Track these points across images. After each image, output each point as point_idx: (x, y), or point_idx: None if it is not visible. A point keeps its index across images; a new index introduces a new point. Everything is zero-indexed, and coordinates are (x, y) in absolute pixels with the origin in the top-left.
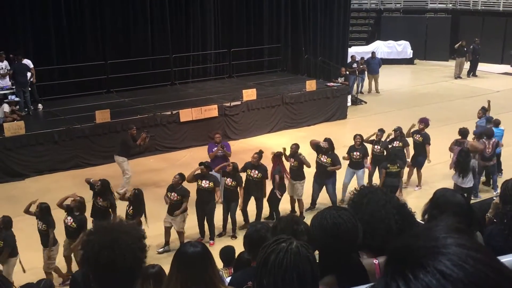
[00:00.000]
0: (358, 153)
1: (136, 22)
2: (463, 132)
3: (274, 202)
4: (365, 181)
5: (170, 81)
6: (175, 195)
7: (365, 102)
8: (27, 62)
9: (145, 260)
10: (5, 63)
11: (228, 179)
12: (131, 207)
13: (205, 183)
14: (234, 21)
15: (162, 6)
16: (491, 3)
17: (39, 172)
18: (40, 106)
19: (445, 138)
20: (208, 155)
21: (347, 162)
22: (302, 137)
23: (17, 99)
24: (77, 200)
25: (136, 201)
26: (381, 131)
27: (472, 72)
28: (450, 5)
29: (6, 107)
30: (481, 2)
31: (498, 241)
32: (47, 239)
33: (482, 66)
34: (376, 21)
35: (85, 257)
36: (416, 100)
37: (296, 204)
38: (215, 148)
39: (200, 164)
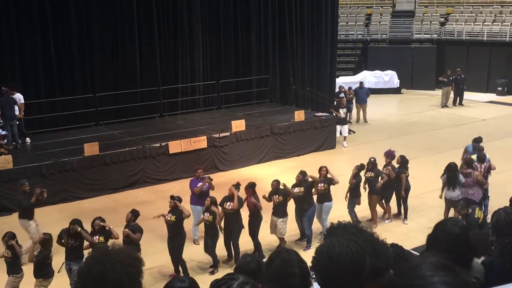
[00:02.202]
0: (323, 185)
1: (124, 54)
2: (469, 162)
3: (253, 232)
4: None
5: (159, 113)
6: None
7: (354, 132)
8: (18, 96)
9: (139, 278)
10: None
11: (206, 214)
12: (99, 236)
13: (168, 217)
14: (222, 53)
15: (151, 38)
16: (475, 33)
17: None
18: (28, 139)
19: (434, 166)
20: (193, 191)
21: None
22: (291, 167)
23: (4, 132)
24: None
25: (104, 230)
26: (361, 166)
27: (457, 101)
28: (435, 35)
29: None
30: (466, 32)
31: (496, 274)
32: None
33: (467, 95)
34: (363, 52)
35: (79, 271)
36: (404, 129)
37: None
38: (200, 183)
39: (171, 197)
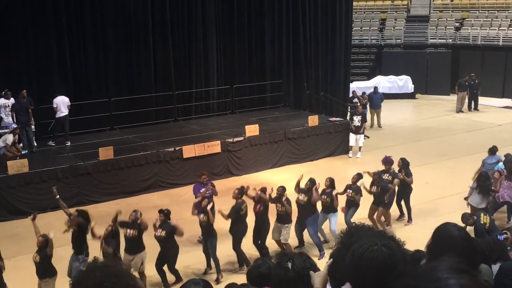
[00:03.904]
0: (325, 197)
1: (139, 59)
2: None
3: (260, 239)
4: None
5: (173, 117)
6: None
7: (368, 137)
8: (63, 99)
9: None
10: (12, 100)
11: (201, 215)
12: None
13: (158, 232)
14: (236, 58)
15: (165, 43)
16: (491, 38)
17: (42, 209)
18: (68, 143)
19: (449, 172)
20: (196, 196)
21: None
22: (305, 172)
23: (14, 126)
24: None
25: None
26: (358, 175)
27: (473, 106)
28: (450, 40)
29: (10, 138)
30: (481, 37)
31: None
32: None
33: (483, 100)
34: (377, 56)
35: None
36: (418, 134)
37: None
38: (203, 189)
39: (160, 211)
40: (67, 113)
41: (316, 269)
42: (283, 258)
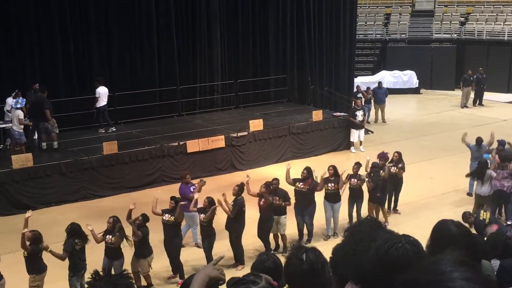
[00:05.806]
0: (332, 185)
1: (143, 54)
2: (505, 157)
3: (263, 234)
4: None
5: (177, 112)
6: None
7: (372, 132)
8: (104, 89)
9: None
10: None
11: (202, 215)
12: (111, 237)
13: (167, 217)
14: (240, 52)
15: (169, 38)
16: (496, 33)
17: (46, 204)
18: (113, 128)
19: (453, 167)
20: (189, 197)
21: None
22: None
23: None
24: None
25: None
26: (358, 164)
27: (478, 101)
28: (455, 35)
29: (21, 114)
30: (486, 32)
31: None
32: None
33: (488, 95)
34: (382, 51)
35: None
36: (423, 130)
37: (280, 239)
38: (193, 187)
39: (172, 198)
40: (106, 103)
41: (326, 265)
42: (299, 250)
